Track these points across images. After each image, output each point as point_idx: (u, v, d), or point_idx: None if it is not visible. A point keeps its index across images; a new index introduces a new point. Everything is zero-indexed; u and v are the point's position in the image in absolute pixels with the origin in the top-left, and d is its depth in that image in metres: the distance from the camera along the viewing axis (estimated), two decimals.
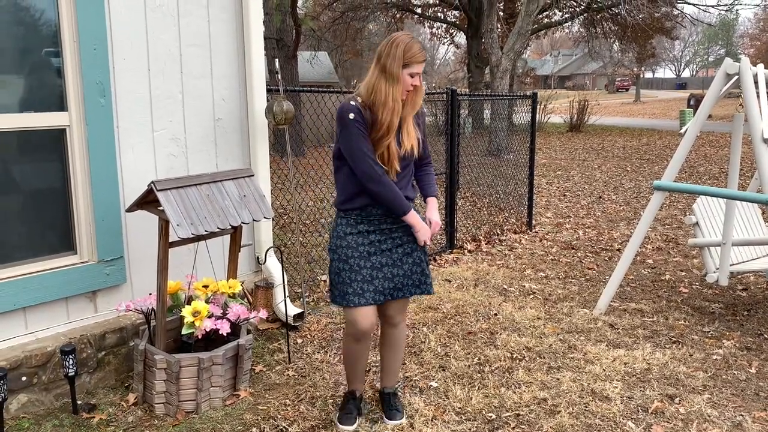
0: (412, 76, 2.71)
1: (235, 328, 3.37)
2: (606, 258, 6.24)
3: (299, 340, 4.09)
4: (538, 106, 7.79)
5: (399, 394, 3.27)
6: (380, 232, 2.85)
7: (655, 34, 24.95)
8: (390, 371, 3.16)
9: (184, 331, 3.19)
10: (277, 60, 4.74)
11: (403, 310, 3.04)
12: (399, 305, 3.01)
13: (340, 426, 2.99)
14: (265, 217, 3.44)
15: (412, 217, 2.81)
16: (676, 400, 3.29)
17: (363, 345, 2.94)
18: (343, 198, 2.85)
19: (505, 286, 5.26)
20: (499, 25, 18.50)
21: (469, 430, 3.02)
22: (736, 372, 3.63)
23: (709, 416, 3.12)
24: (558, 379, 3.51)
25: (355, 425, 3.01)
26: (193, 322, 3.15)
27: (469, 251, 6.46)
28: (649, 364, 3.71)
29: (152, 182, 2.99)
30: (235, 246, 3.58)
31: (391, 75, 2.68)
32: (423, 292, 2.98)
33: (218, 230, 3.16)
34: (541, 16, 22.69)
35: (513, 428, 3.02)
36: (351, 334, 2.89)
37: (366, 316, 2.82)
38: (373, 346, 3.85)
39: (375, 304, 2.85)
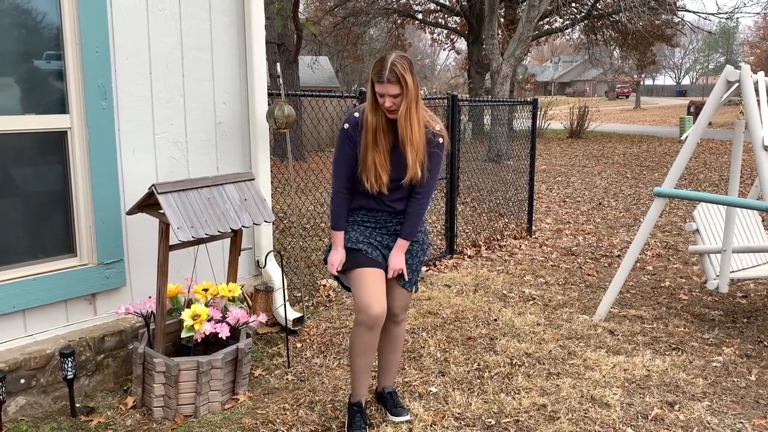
0: (380, 95, 2.69)
1: (235, 332, 3.37)
2: (606, 264, 6.23)
3: (298, 345, 4.08)
4: (538, 112, 7.80)
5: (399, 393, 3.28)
6: (386, 229, 2.94)
7: (656, 41, 25.00)
8: (390, 370, 3.19)
9: (184, 335, 3.19)
10: (278, 64, 4.73)
11: (405, 306, 3.06)
12: (401, 298, 3.02)
13: None
14: (265, 221, 3.44)
15: (335, 236, 2.92)
16: (676, 407, 3.28)
17: (373, 336, 2.86)
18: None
19: (505, 292, 5.25)
20: (499, 32, 18.54)
21: None
22: (735, 379, 3.62)
23: (708, 423, 3.11)
24: (557, 385, 3.51)
25: None
26: (192, 325, 3.15)
27: (469, 257, 6.46)
28: (648, 370, 3.70)
29: (153, 185, 2.99)
30: (235, 249, 3.57)
31: (367, 97, 2.79)
32: (406, 285, 3.01)
33: (219, 234, 3.16)
34: (541, 22, 22.74)
35: None
36: (362, 322, 2.82)
37: (378, 300, 2.79)
38: None
39: (373, 258, 2.88)
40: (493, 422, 3.11)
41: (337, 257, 2.91)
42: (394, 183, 2.83)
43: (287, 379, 3.59)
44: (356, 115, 2.83)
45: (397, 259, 2.91)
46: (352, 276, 2.89)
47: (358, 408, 3.01)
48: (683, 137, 4.52)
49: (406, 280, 2.98)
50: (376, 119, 2.74)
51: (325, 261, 3.03)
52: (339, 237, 2.92)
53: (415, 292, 3.10)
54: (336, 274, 2.95)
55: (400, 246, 2.92)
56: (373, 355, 2.96)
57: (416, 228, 2.92)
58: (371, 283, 2.83)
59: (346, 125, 2.82)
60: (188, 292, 3.49)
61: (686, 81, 79.20)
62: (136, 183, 3.51)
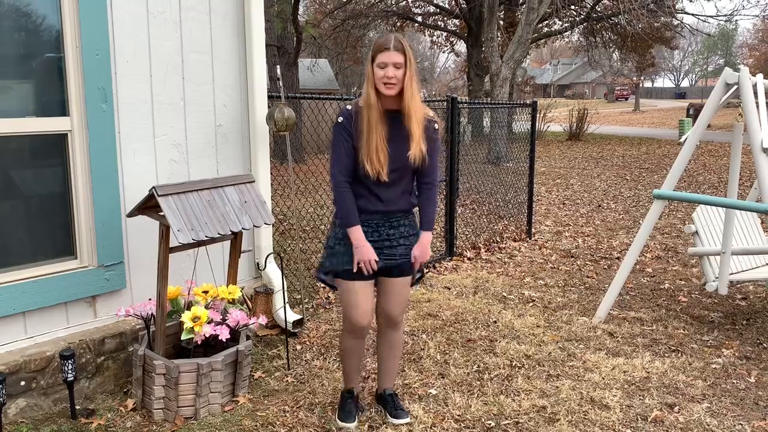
0: (381, 67, 2.73)
1: (235, 334, 3.37)
2: (605, 266, 6.24)
3: (298, 347, 4.08)
4: (537, 115, 7.81)
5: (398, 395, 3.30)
6: (378, 234, 2.92)
7: (655, 43, 25.03)
8: (390, 372, 3.22)
9: (184, 337, 3.19)
10: (278, 67, 4.75)
11: (403, 309, 3.08)
12: (399, 302, 3.03)
13: (341, 423, 3.06)
14: (265, 223, 3.45)
15: (353, 233, 2.82)
16: (675, 408, 3.28)
17: (360, 342, 3.04)
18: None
19: (505, 294, 5.26)
20: (499, 34, 18.58)
21: None
22: (735, 381, 3.63)
23: (708, 425, 3.12)
24: (557, 387, 3.51)
25: (356, 422, 3.07)
26: (192, 327, 3.15)
27: (469, 259, 6.46)
28: (648, 372, 3.71)
29: (153, 187, 3.00)
30: (235, 252, 3.58)
31: (367, 75, 2.82)
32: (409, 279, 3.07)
33: (219, 236, 3.16)
34: (541, 25, 22.76)
35: None
36: (348, 330, 2.98)
37: (364, 313, 2.90)
38: (372, 353, 3.85)
39: (367, 280, 2.90)
40: (493, 424, 3.12)
41: (369, 253, 2.82)
42: (393, 174, 2.83)
43: (287, 381, 3.59)
44: (349, 107, 2.88)
45: (423, 253, 2.95)
46: (341, 285, 2.95)
47: (350, 394, 3.15)
48: (682, 139, 4.53)
49: (416, 270, 3.05)
50: (376, 99, 2.78)
51: (317, 273, 3.07)
52: (357, 232, 2.83)
53: (412, 286, 3.15)
54: (345, 276, 2.94)
55: (425, 240, 2.95)
56: (362, 356, 3.13)
57: (433, 217, 2.98)
58: (358, 295, 2.89)
59: (341, 118, 2.87)
60: (188, 294, 3.49)
61: (685, 83, 79.30)
62: (136, 185, 3.52)
